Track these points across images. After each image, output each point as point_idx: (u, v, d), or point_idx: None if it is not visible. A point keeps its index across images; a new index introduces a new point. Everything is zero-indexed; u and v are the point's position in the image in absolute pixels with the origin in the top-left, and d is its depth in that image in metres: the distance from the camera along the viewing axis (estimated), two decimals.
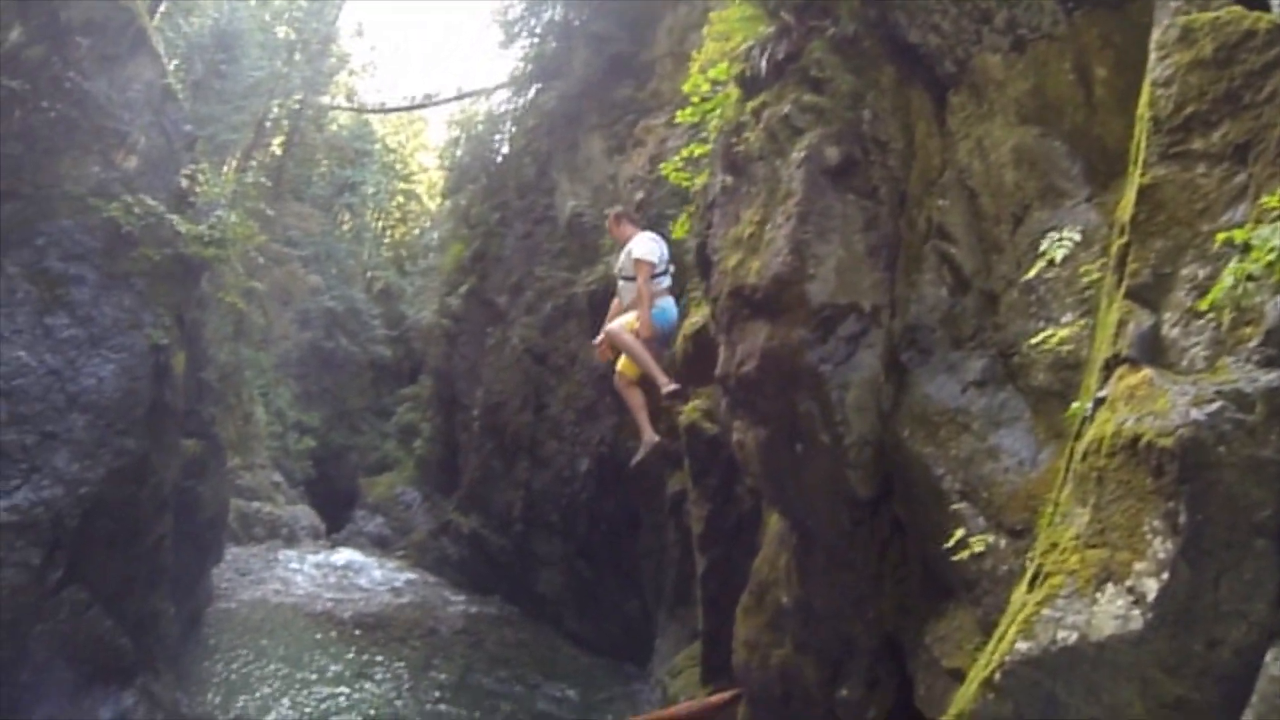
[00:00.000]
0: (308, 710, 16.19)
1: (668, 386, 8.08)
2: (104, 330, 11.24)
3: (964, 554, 5.89)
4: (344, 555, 25.46)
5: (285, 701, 16.35)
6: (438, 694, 17.42)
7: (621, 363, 8.19)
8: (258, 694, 16.36)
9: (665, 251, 7.82)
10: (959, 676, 5.92)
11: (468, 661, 19.09)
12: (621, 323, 8.03)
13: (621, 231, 8.46)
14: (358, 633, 20.15)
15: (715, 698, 10.70)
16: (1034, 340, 5.91)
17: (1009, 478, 5.94)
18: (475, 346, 24.84)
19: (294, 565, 24.07)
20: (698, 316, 11.96)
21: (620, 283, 7.85)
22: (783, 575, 8.87)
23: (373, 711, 16.40)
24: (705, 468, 11.88)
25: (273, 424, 29.02)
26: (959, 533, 5.97)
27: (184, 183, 14.09)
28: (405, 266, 39.97)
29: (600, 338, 7.90)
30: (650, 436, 8.60)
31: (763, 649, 9.41)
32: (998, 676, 4.66)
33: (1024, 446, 5.99)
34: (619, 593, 18.64)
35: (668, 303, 7.93)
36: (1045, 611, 4.41)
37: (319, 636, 19.67)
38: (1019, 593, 4.98)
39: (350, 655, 18.78)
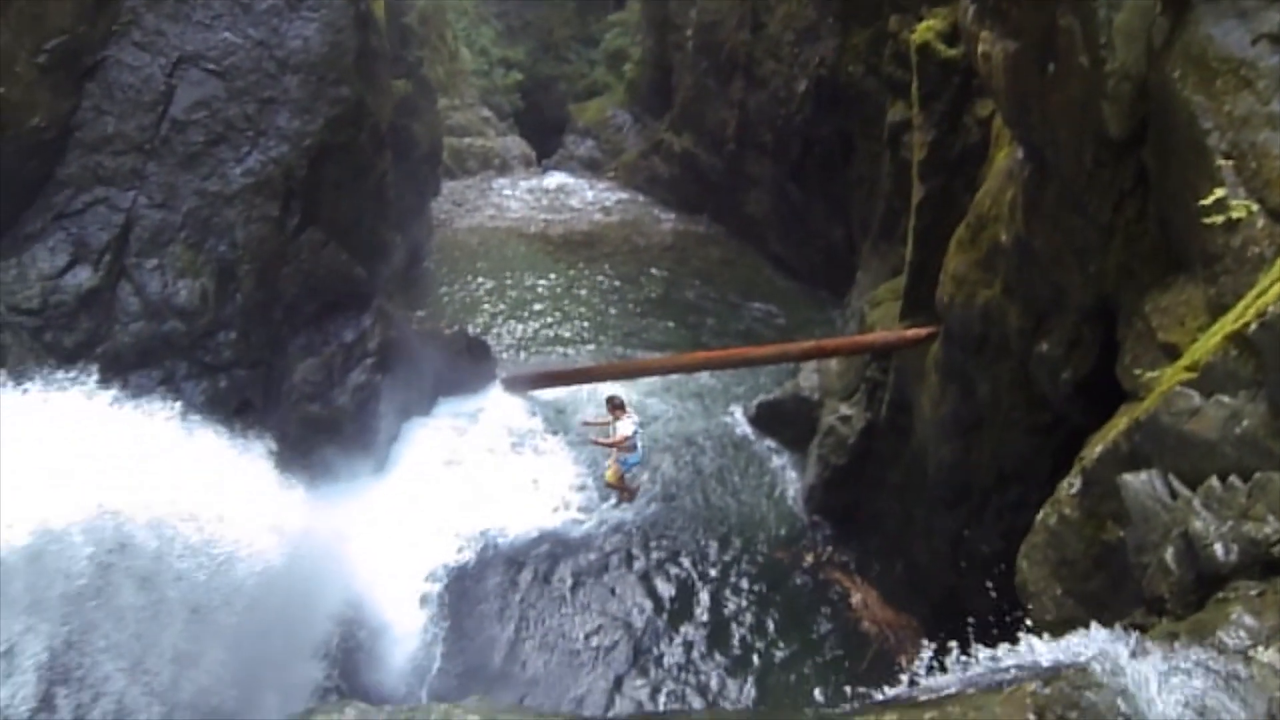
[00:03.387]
0: (523, 320, 17.86)
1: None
2: None
3: (1217, 218, 5.14)
4: (555, 179, 26.46)
5: (502, 312, 18.15)
6: (644, 306, 18.72)
7: (609, 473, 11.83)
8: (478, 309, 18.21)
9: (639, 429, 11.48)
10: (1173, 352, 5.51)
11: (673, 276, 20.15)
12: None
13: (614, 414, 11.57)
14: (569, 250, 21.47)
15: (912, 332, 10.77)
16: None
17: None
18: None
19: (507, 192, 25.29)
20: None
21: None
22: (1006, 211, 8.31)
23: (584, 322, 17.94)
24: (934, 91, 10.94)
25: (478, 62, 29.19)
26: (1219, 192, 5.17)
27: None
28: None
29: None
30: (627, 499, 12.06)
31: (969, 286, 9.14)
32: (1252, 328, 4.31)
33: None
34: (825, 220, 18.46)
35: (635, 456, 11.45)
36: None
37: (532, 255, 21.12)
38: None
39: (561, 271, 20.25)
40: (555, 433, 13.91)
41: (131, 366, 9.56)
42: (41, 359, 8.73)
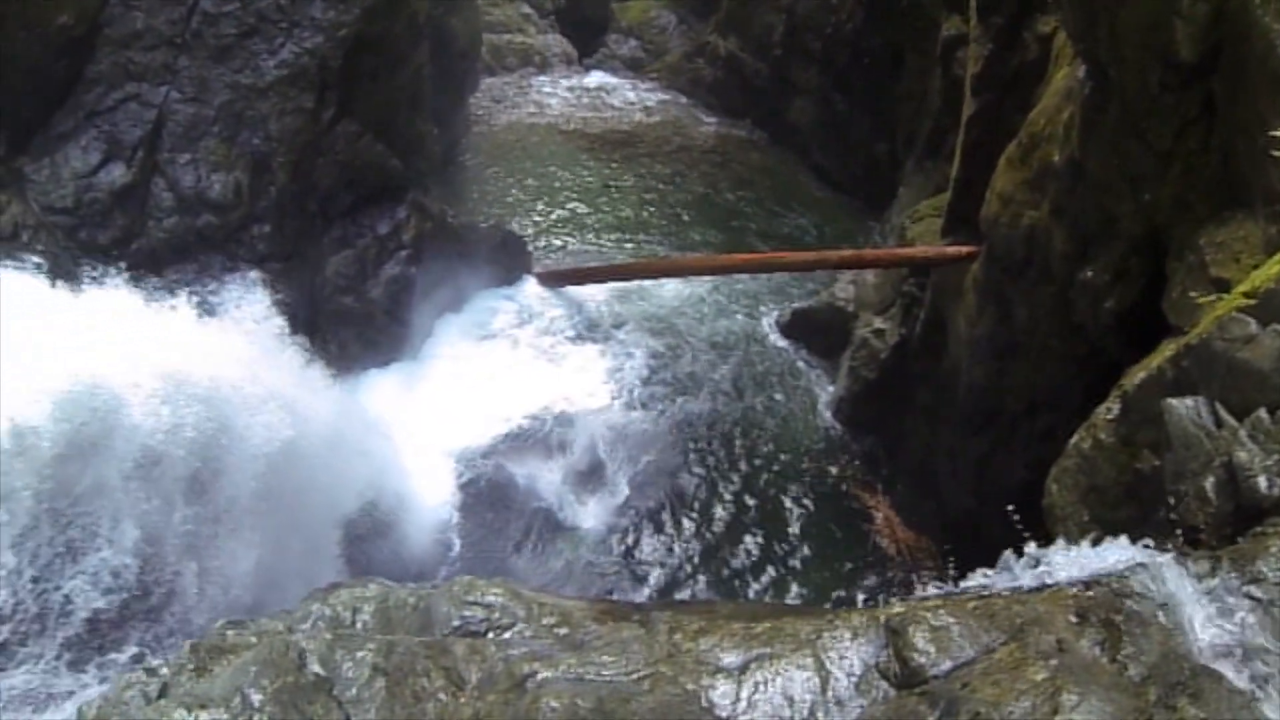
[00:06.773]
0: (558, 216, 17.77)
1: None
2: None
3: None
4: (596, 78, 25.70)
5: (540, 208, 18.00)
6: (681, 208, 18.51)
7: None
8: (515, 204, 18.03)
9: None
10: (1224, 287, 5.39)
11: (713, 180, 19.81)
12: None
13: None
14: (608, 148, 21.05)
15: (953, 249, 10.61)
16: None
17: None
18: None
19: (547, 89, 24.61)
20: None
21: None
22: (1061, 131, 8.08)
23: (623, 219, 17.75)
24: (994, 4, 10.57)
25: None
26: None
27: None
28: None
29: None
30: None
31: (1016, 206, 8.98)
32: None
33: None
34: (870, 133, 18.07)
35: None
36: None
37: (570, 153, 20.75)
38: None
39: (600, 169, 19.95)
40: (604, 327, 14.01)
41: (166, 262, 9.73)
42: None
